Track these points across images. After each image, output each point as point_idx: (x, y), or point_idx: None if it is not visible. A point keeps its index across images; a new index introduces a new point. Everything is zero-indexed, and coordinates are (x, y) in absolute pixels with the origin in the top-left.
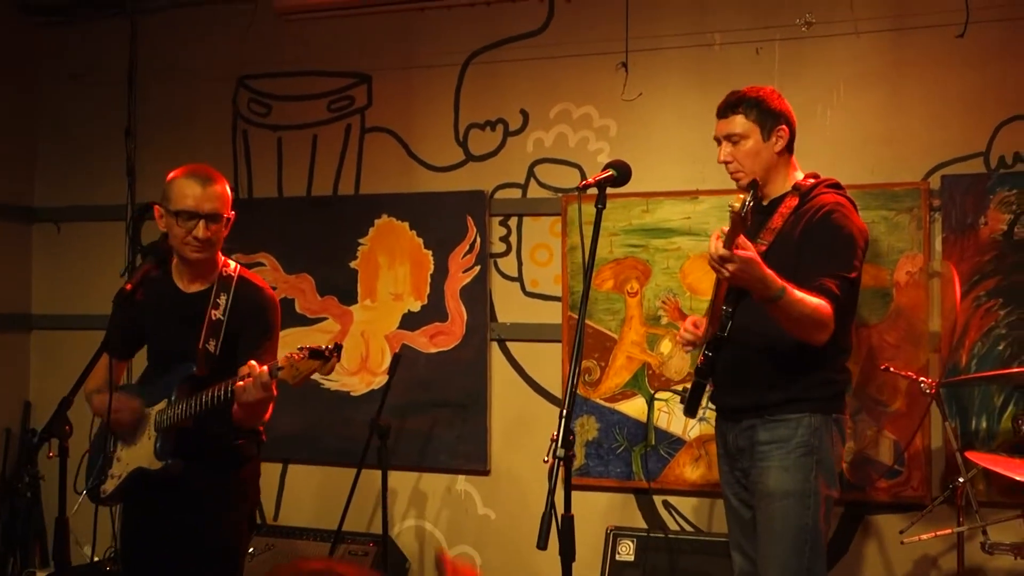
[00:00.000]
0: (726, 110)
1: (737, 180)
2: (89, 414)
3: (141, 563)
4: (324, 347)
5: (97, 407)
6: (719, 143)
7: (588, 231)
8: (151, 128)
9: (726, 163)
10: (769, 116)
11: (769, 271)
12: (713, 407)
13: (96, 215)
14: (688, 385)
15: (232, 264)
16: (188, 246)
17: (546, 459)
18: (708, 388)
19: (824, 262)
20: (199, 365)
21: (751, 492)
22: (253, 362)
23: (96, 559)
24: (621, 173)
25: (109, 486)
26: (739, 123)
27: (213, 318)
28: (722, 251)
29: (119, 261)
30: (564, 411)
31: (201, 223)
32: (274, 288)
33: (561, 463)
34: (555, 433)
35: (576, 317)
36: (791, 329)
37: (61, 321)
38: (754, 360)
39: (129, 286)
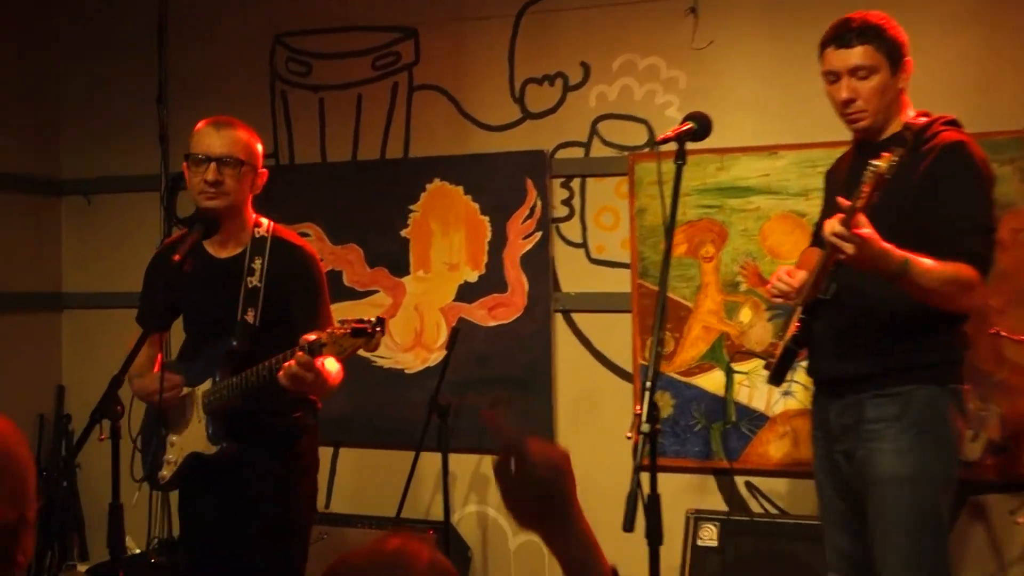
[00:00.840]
0: (850, 38)
1: (855, 122)
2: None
3: (203, 547)
4: (367, 323)
5: (138, 390)
6: (833, 79)
7: (659, 191)
8: (184, 93)
9: (847, 101)
10: (895, 48)
11: (886, 244)
12: (801, 381)
13: (128, 186)
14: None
15: (264, 222)
16: (202, 194)
17: (629, 435)
18: (799, 356)
19: (961, 216)
20: (239, 339)
21: (856, 476)
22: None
23: (139, 551)
24: (701, 126)
25: (167, 472)
26: (867, 54)
27: (250, 285)
28: (837, 228)
29: (154, 234)
30: (648, 382)
31: (212, 166)
32: (321, 260)
33: (647, 439)
34: (638, 406)
35: (647, 285)
36: (927, 300)
37: (93, 300)
38: (861, 325)
39: (178, 256)
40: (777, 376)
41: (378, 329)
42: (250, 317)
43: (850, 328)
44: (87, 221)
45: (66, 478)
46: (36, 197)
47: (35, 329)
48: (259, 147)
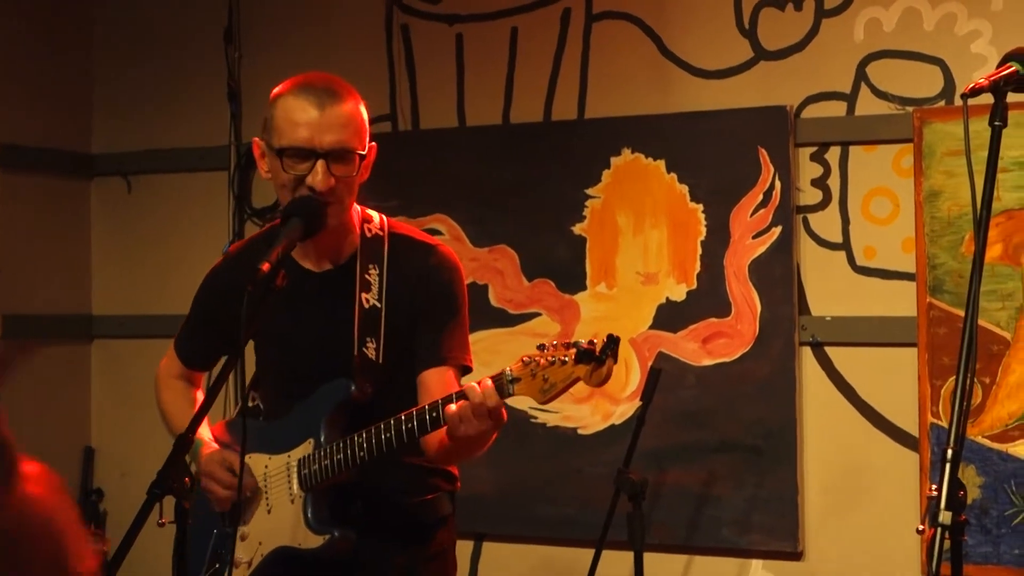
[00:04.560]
0: None
1: None
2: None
3: None
4: (592, 341)
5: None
6: None
7: (964, 166)
8: (264, 28)
9: None
10: None
11: None
12: None
13: (184, 163)
14: None
15: (374, 216)
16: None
17: (921, 528)
18: None
19: None
20: (358, 382)
21: None
22: (474, 384)
23: None
24: None
25: None
26: None
27: (366, 305)
28: None
29: (219, 231)
30: (950, 450)
31: (320, 165)
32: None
33: (947, 535)
34: (933, 486)
35: (941, 305)
36: None
37: (134, 326)
38: None
39: (266, 265)
40: None
41: (609, 353)
42: (370, 351)
43: None
44: (125, 213)
45: None
46: (58, 179)
47: (57, 364)
48: (365, 112)
